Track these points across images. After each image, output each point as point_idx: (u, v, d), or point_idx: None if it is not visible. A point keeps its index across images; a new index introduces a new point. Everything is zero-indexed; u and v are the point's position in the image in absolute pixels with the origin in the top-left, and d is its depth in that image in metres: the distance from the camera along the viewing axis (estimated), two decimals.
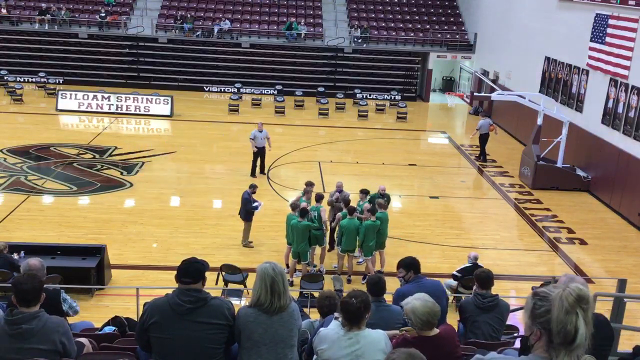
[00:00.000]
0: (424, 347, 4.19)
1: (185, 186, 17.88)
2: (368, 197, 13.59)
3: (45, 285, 5.59)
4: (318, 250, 13.09)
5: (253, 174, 18.77)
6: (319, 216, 12.83)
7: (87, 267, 11.40)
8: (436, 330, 4.33)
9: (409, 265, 6.23)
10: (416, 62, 32.68)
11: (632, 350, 5.33)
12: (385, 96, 31.32)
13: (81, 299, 10.80)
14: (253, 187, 14.06)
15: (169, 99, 26.08)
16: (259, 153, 18.75)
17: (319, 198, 13.24)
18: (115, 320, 6.28)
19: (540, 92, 22.54)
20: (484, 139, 22.17)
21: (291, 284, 12.20)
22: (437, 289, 6.12)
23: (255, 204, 13.86)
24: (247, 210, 13.82)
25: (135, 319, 6.27)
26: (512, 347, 5.75)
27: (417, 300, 4.30)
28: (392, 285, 6.71)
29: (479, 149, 22.46)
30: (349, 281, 12.78)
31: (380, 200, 13.17)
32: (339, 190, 14.17)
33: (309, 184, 14.05)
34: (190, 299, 4.17)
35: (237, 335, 4.31)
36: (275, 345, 4.28)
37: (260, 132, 18.56)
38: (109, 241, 12.84)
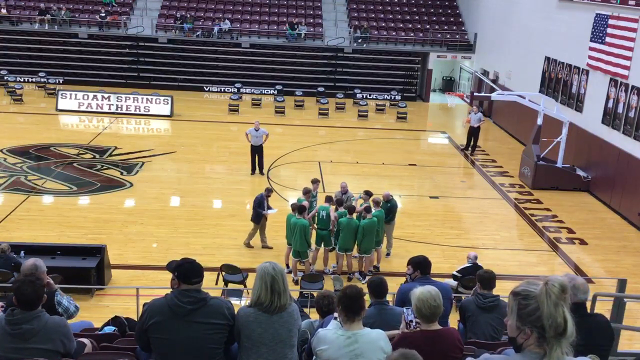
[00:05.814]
0: (422, 342, 4.20)
1: (185, 186, 17.87)
2: (371, 198, 13.53)
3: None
4: (321, 250, 13.08)
5: (253, 172, 18.86)
6: (328, 216, 12.83)
7: (87, 267, 11.43)
8: (437, 327, 4.34)
9: (417, 265, 6.25)
10: (416, 62, 32.67)
11: None
12: (385, 96, 31.31)
13: (81, 299, 10.81)
14: (268, 191, 14.05)
15: (169, 99, 26.08)
16: (256, 151, 18.83)
17: (329, 199, 13.22)
18: (115, 320, 6.27)
19: (540, 92, 22.53)
20: (472, 131, 23.07)
21: (297, 282, 12.23)
22: (443, 289, 6.09)
23: (270, 211, 13.83)
24: (257, 213, 13.81)
25: (135, 319, 6.26)
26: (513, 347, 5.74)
27: (422, 288, 4.35)
28: (393, 285, 6.71)
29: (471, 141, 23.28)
30: (349, 279, 12.78)
31: (376, 199, 13.19)
32: (344, 191, 14.17)
33: (315, 182, 14.22)
34: (190, 300, 4.16)
35: (237, 334, 4.31)
36: (275, 345, 4.27)
37: (257, 130, 18.58)
38: (109, 241, 12.84)
